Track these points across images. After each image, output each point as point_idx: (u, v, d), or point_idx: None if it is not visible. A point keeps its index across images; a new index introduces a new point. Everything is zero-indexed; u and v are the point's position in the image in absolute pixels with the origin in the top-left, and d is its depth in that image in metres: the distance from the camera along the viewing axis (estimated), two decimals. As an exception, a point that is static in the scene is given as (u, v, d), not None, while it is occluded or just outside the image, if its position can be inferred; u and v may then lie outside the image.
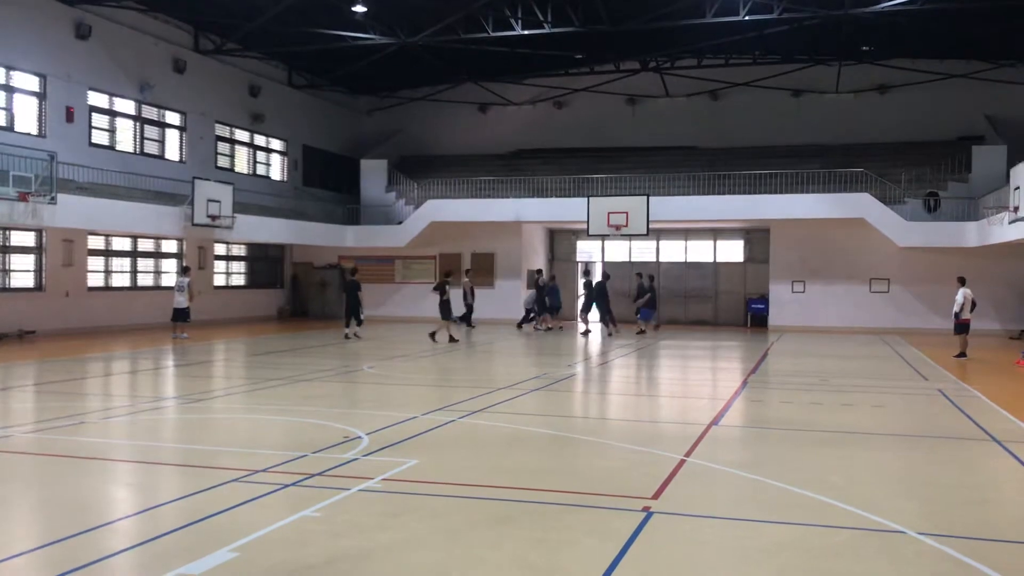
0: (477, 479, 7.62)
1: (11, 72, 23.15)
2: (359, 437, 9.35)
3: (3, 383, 14.72)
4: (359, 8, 26.02)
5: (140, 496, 7.28)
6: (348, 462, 8.15)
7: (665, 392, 15.01)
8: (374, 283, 32.87)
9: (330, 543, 5.81)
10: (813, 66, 32.75)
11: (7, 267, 23.41)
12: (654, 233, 31.59)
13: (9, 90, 23.16)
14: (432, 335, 23.30)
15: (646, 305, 27.48)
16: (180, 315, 23.15)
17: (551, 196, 31.12)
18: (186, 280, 23.57)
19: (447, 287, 23.27)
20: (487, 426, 10.43)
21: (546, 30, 26.87)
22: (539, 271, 29.86)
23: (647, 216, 27.24)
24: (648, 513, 6.54)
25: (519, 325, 29.19)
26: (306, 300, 34.67)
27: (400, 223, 32.87)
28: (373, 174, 35.05)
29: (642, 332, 26.95)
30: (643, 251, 34.09)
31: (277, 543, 5.80)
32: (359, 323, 23.76)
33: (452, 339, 22.72)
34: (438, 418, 10.74)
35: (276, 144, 34.43)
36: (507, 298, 32.53)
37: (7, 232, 23.07)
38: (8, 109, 23.15)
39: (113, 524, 6.37)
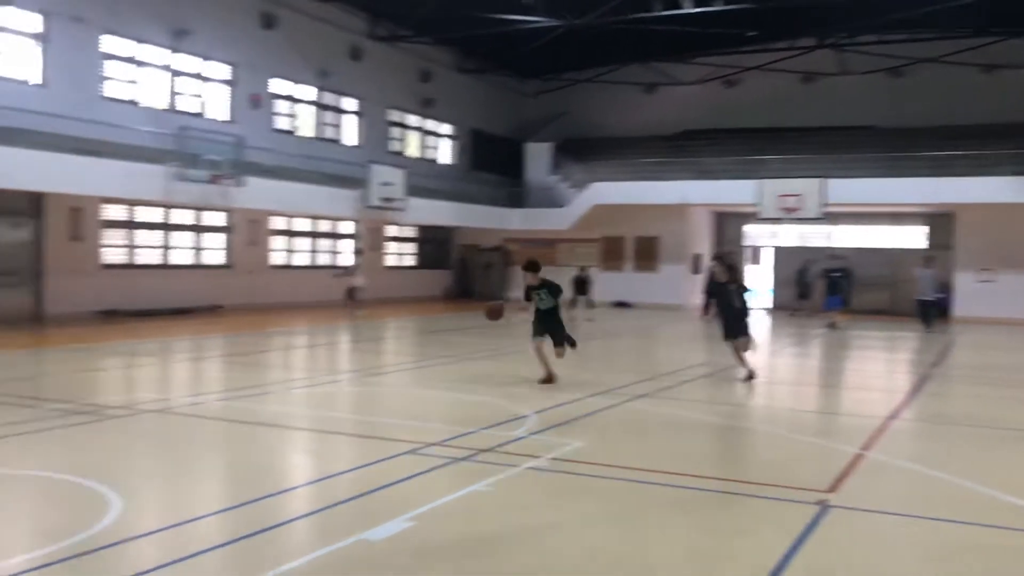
0: (645, 463, 7.56)
1: (205, 62, 24.70)
2: (526, 416, 9.48)
3: (196, 353, 15.83)
4: (528, -8, 26.21)
5: (319, 464, 7.66)
6: (516, 440, 8.28)
7: (840, 383, 14.42)
8: (538, 265, 33.20)
9: (502, 517, 5.93)
10: (1007, 39, 30.43)
11: (200, 245, 25.10)
12: (828, 217, 30.32)
13: (203, 79, 24.74)
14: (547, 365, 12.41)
15: (834, 293, 24.85)
16: (355, 293, 23.82)
17: (718, 178, 30.40)
18: (356, 264, 24.45)
19: (541, 293, 12.24)
20: (652, 411, 10.34)
21: (717, 8, 26.19)
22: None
23: (821, 199, 26.15)
24: (823, 507, 6.31)
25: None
26: (471, 281, 35.41)
27: (564, 206, 32.99)
28: (538, 157, 35.32)
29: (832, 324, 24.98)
30: (815, 237, 32.78)
31: (451, 515, 5.97)
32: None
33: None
34: (602, 401, 10.73)
35: (445, 128, 35.26)
36: (671, 283, 32.10)
37: (200, 213, 24.68)
38: (201, 97, 24.74)
39: (295, 490, 6.73)
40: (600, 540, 5.57)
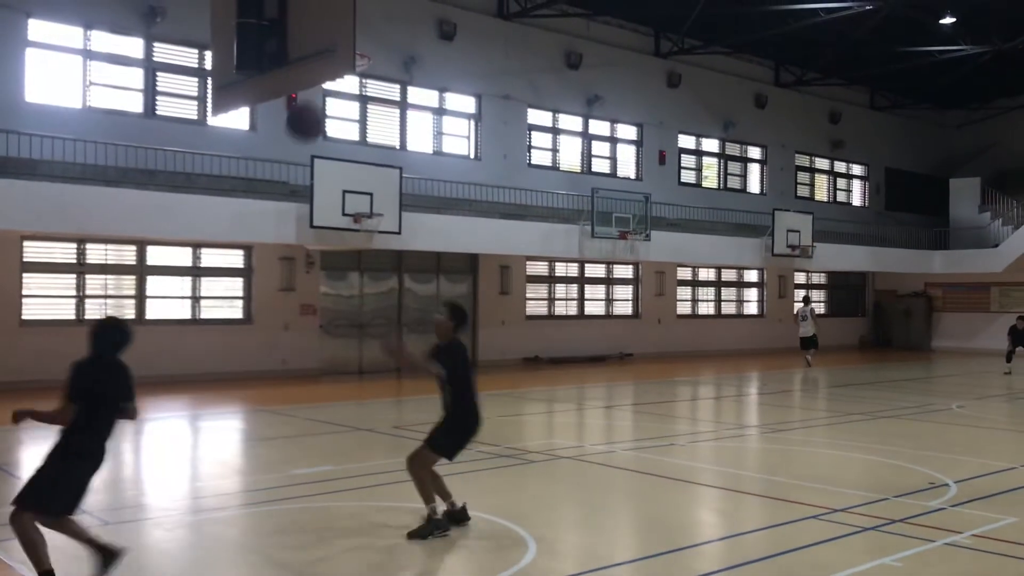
0: (1091, 549, 6.69)
1: (615, 125, 26.28)
2: (946, 484, 8.80)
3: (608, 401, 16.75)
4: (947, 20, 24.40)
5: (724, 522, 7.77)
6: (933, 511, 7.73)
7: None
8: (964, 312, 30.67)
9: (912, 597, 5.63)
10: None
11: (610, 297, 26.50)
12: None
13: (613, 141, 26.32)
14: None
15: None
16: (807, 343, 23.20)
17: None
18: (808, 309, 23.73)
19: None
20: (1106, 487, 9.03)
21: None
22: None
23: None
24: None
25: None
26: (889, 329, 33.23)
27: (995, 246, 29.87)
28: (963, 193, 32.44)
29: None
30: None
31: (855, 588, 5.79)
32: None
33: None
34: (1042, 472, 9.60)
35: (857, 169, 33.80)
36: None
37: (610, 266, 26.10)
38: (612, 158, 26.32)
39: (700, 547, 6.92)
40: (1029, 634, 5.06)
